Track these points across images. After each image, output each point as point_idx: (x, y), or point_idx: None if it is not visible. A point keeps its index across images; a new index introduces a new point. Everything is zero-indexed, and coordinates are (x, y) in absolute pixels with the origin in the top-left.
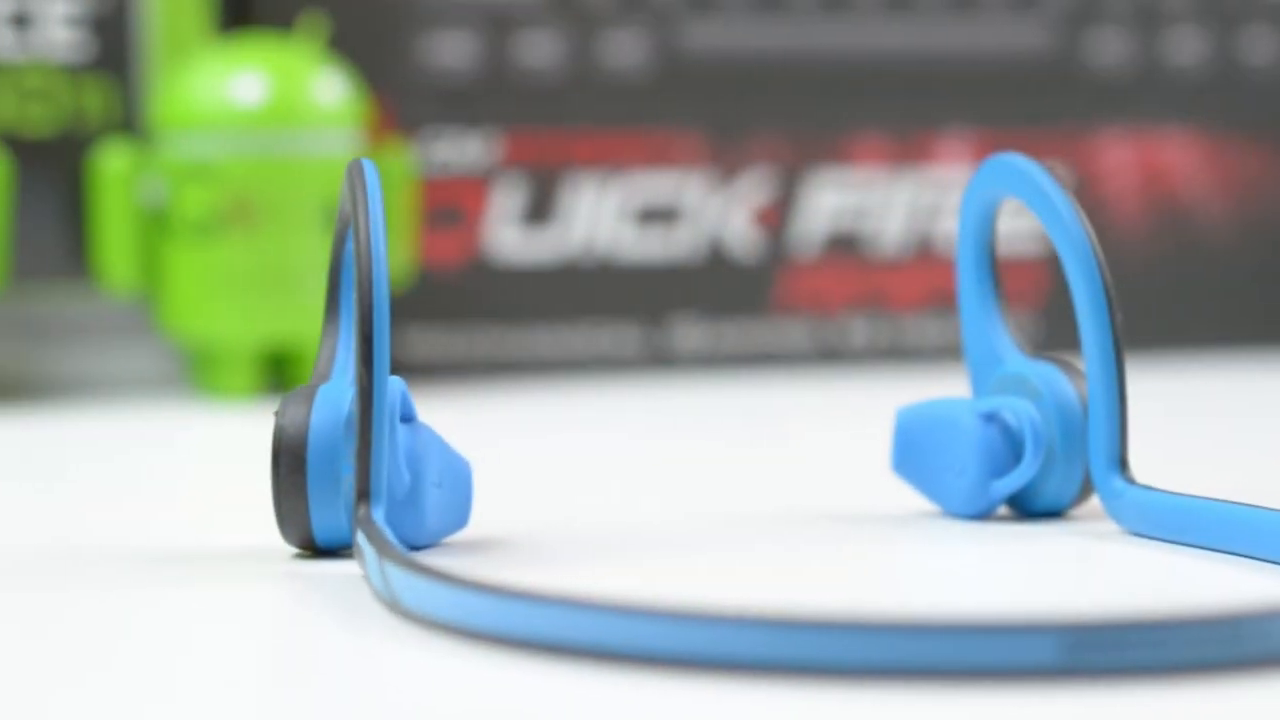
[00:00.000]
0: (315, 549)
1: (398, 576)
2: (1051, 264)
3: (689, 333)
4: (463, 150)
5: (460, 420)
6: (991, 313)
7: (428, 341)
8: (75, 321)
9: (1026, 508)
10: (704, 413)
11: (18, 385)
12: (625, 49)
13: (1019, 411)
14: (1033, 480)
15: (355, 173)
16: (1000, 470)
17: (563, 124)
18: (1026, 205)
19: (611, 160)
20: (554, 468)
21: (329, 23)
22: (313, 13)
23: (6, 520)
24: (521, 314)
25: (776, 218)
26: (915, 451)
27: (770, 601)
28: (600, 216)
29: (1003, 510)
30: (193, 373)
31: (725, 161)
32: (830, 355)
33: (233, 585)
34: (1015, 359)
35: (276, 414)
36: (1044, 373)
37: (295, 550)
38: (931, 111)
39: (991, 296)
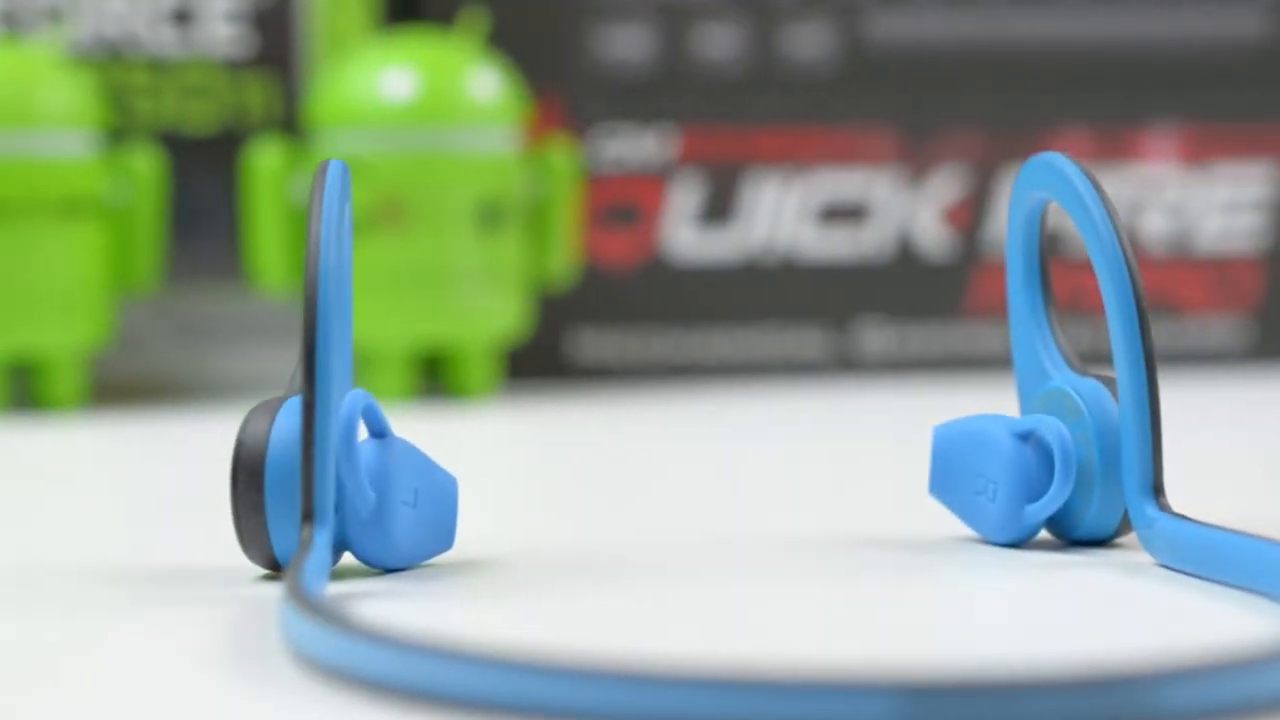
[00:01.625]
0: (281, 569)
1: (289, 613)
2: (1268, 264)
3: (875, 335)
4: (638, 147)
5: (632, 426)
6: (1041, 324)
7: (600, 344)
8: (232, 322)
9: (1068, 535)
10: (889, 420)
11: (174, 386)
12: (809, 41)
13: (1053, 431)
14: (1071, 506)
15: (317, 175)
16: (1036, 494)
17: (743, 120)
18: (1063, 208)
19: (794, 157)
20: (718, 476)
21: (494, 18)
22: (474, 8)
23: (166, 522)
24: (699, 315)
25: (969, 217)
26: (951, 473)
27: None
28: (782, 215)
29: (1045, 536)
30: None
31: (915, 158)
32: None
33: (168, 610)
34: (1063, 374)
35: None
36: (1088, 390)
37: (262, 571)
38: (1136, 105)
39: (1041, 306)
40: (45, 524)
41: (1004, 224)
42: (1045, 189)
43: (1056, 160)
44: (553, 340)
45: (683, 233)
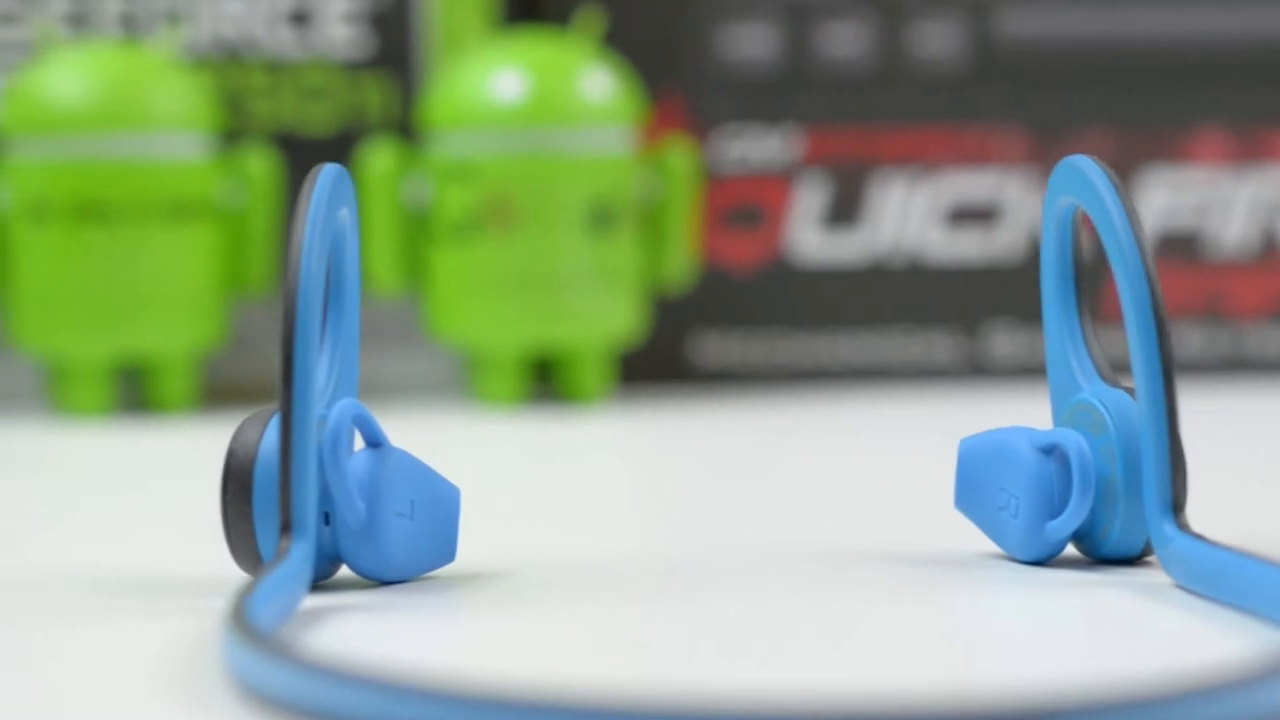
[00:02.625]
0: None
1: (225, 634)
2: None
3: (1006, 340)
4: (762, 147)
5: (751, 432)
6: (1075, 332)
7: (723, 347)
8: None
9: (1094, 553)
10: None
11: None
12: (937, 38)
13: (1072, 446)
14: (1096, 523)
15: (308, 181)
16: (1059, 510)
17: (869, 119)
18: (1088, 213)
19: (922, 157)
20: (835, 486)
21: (616, 18)
22: (591, 8)
23: None
24: (823, 319)
25: None
26: (976, 487)
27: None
28: (908, 217)
29: (1073, 554)
30: (466, 378)
31: (1047, 159)
32: None
33: (138, 621)
34: (1093, 386)
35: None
36: (1115, 403)
37: None
38: (1277, 104)
39: (1074, 313)
40: (128, 525)
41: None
42: (1073, 194)
43: (1082, 164)
44: (672, 344)
45: (807, 234)
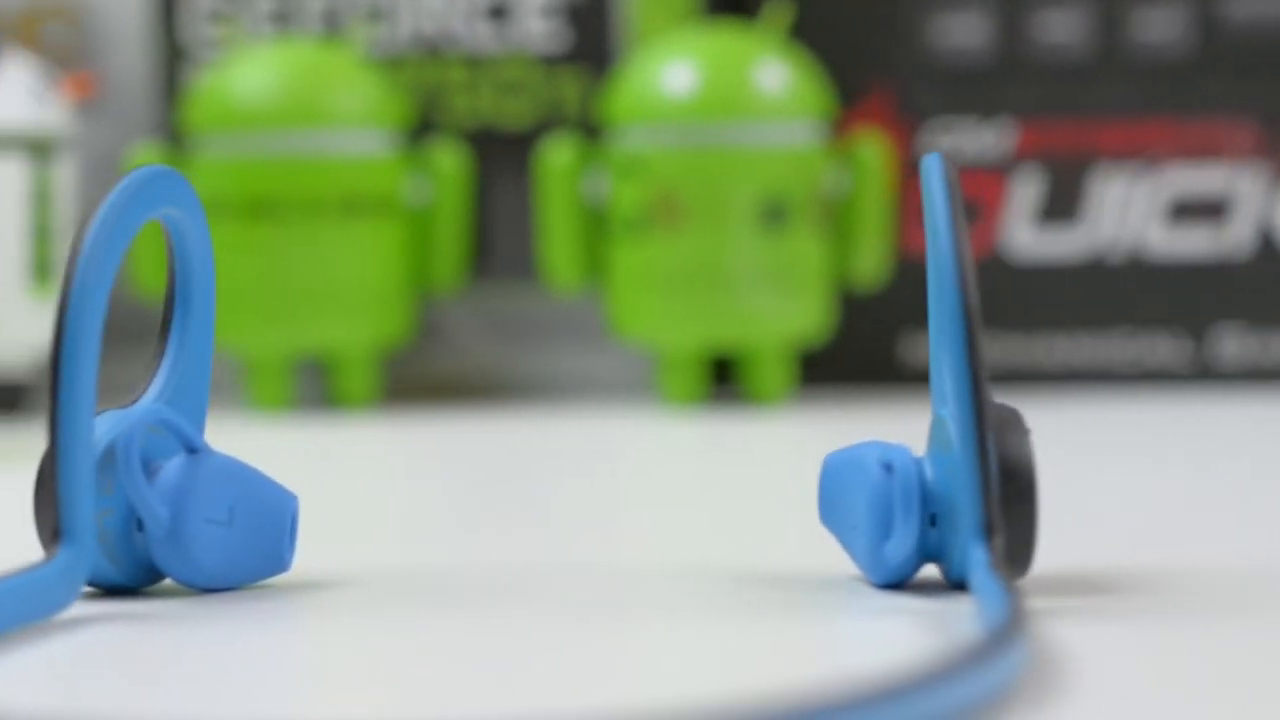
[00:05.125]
0: (102, 587)
1: None
2: None
3: (1234, 341)
4: (975, 141)
5: None
6: None
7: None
8: (533, 320)
9: (950, 577)
10: (1248, 434)
11: (476, 384)
12: (1160, 24)
13: (899, 463)
14: (944, 547)
15: (117, 181)
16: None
17: (1087, 111)
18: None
19: (1144, 151)
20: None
21: (824, 8)
22: (785, 1)
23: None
24: (1039, 318)
25: None
26: (835, 504)
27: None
28: (1129, 212)
29: (934, 576)
30: (651, 376)
31: (1278, 152)
32: None
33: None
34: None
35: None
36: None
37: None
38: None
39: None
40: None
41: None
42: (925, 191)
43: (927, 161)
44: (873, 343)
45: (1022, 231)
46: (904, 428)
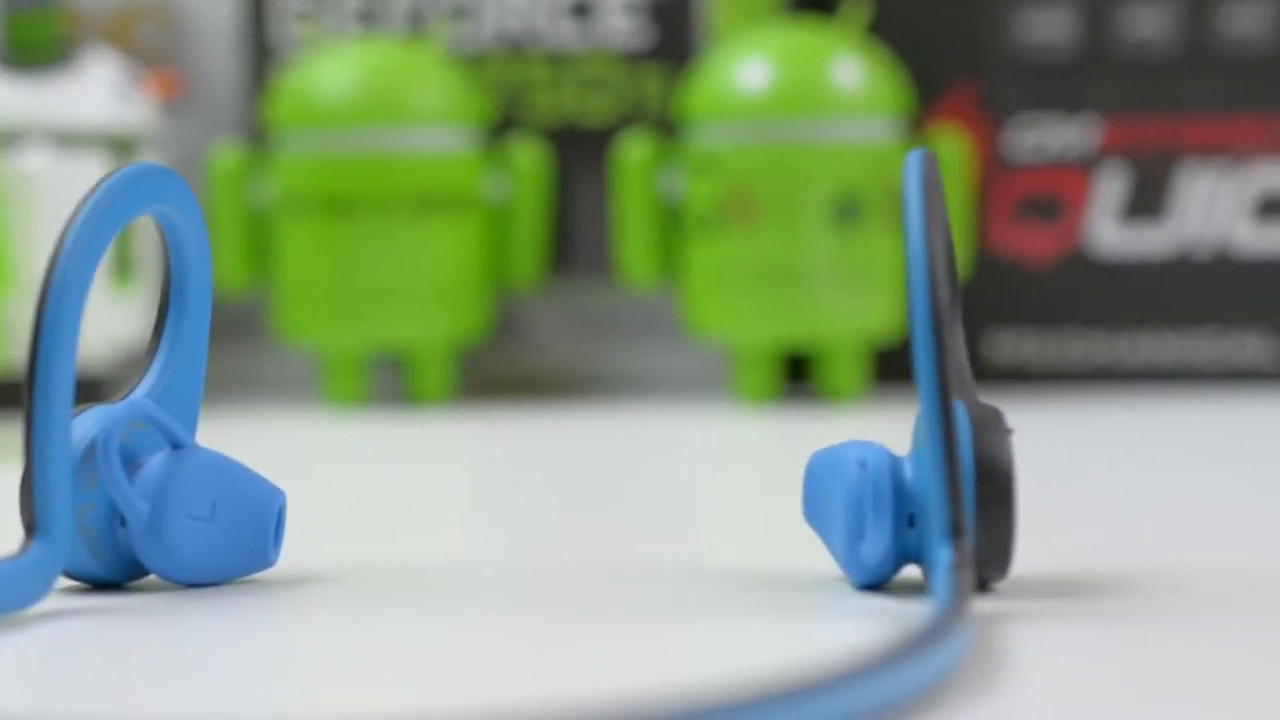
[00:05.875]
0: (87, 581)
1: None
2: None
3: None
4: (1060, 136)
5: (1049, 432)
6: None
7: (1015, 343)
8: (612, 317)
9: (928, 578)
10: None
11: (554, 380)
12: (1248, 18)
13: (872, 463)
14: (915, 547)
15: (98, 183)
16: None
17: (1173, 106)
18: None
19: (1231, 147)
20: (1102, 496)
21: (906, 4)
22: None
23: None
24: (1124, 315)
25: None
26: (818, 501)
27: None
28: (1215, 209)
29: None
30: (726, 373)
31: None
32: None
33: None
34: None
35: None
36: None
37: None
38: None
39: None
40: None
41: None
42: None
43: (909, 159)
44: (964, 339)
45: (1107, 227)
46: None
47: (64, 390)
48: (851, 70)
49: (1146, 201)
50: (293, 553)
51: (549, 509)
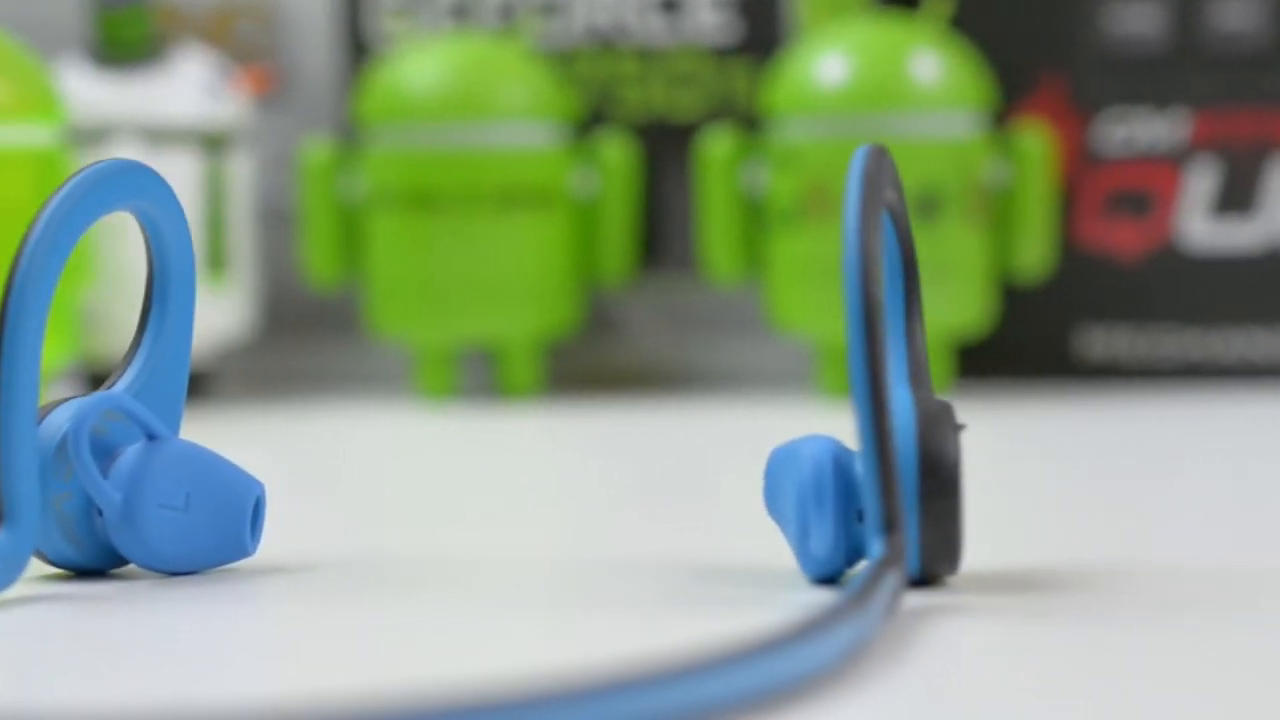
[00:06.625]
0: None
1: None
2: None
3: None
4: (1150, 130)
5: (1141, 430)
6: (897, 329)
7: (1107, 339)
8: (704, 312)
9: None
10: None
11: (646, 376)
12: None
13: (813, 457)
14: (860, 541)
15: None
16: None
17: (1265, 100)
18: None
19: None
20: (1219, 494)
21: (965, 2)
22: None
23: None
24: (1216, 311)
25: None
26: (776, 494)
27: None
28: None
29: None
30: (811, 368)
31: None
32: None
33: None
34: (897, 389)
35: None
36: (894, 411)
37: (52, 569)
38: None
39: (900, 309)
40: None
41: None
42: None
43: (856, 152)
44: (1047, 336)
45: (1197, 222)
46: (1069, 422)
47: (28, 382)
48: (931, 64)
49: (1237, 196)
50: (363, 539)
51: (631, 503)
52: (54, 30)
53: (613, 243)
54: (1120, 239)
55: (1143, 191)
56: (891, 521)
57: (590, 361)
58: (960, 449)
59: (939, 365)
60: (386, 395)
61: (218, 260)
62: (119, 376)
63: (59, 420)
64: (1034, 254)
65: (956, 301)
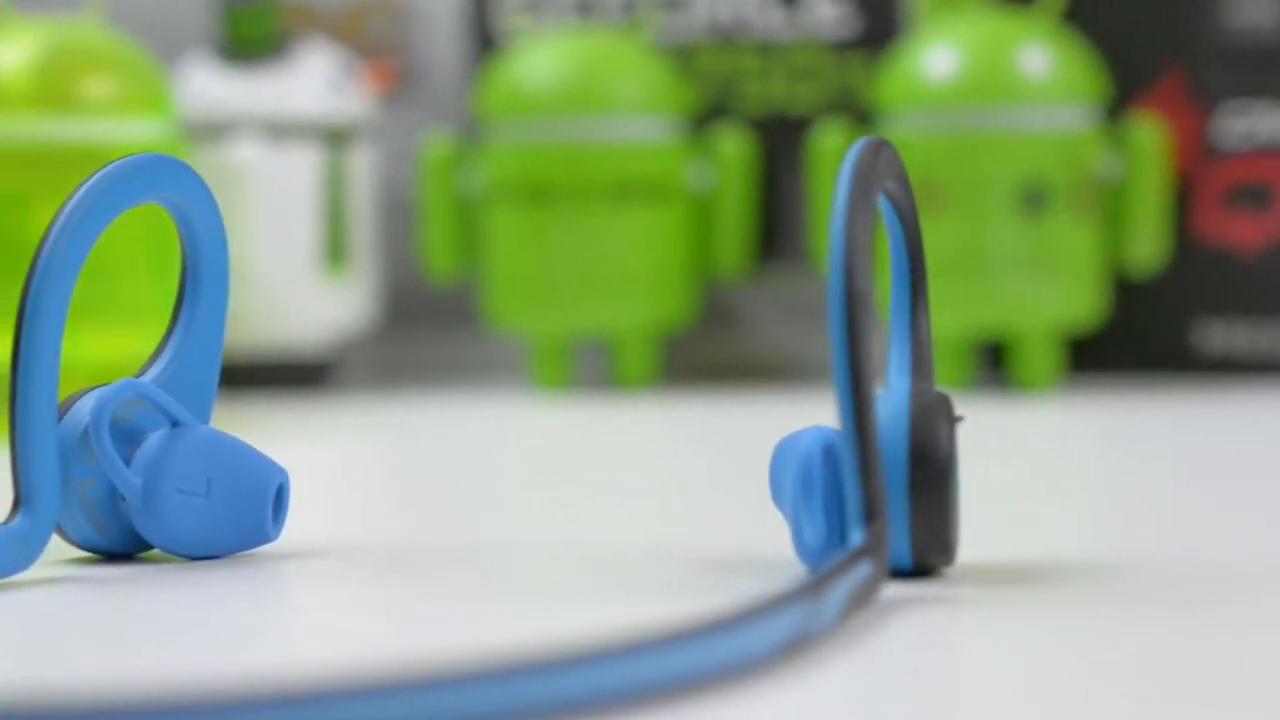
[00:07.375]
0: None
1: None
2: None
3: None
4: (1271, 123)
5: (1261, 423)
6: (902, 321)
7: (1226, 333)
8: (818, 304)
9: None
10: None
11: (761, 368)
12: None
13: (803, 447)
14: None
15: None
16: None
17: None
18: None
19: None
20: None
21: None
22: None
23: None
24: None
25: None
26: (780, 484)
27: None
28: None
29: None
30: None
31: None
32: None
33: None
34: (899, 380)
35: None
36: (887, 404)
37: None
38: None
39: (906, 302)
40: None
41: None
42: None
43: (853, 144)
44: (1163, 329)
45: None
46: (1183, 415)
47: (47, 370)
48: (1041, 58)
49: None
50: (459, 527)
51: (742, 496)
52: (183, 28)
53: (729, 236)
54: (1240, 232)
55: (1263, 184)
56: (871, 511)
57: (707, 353)
58: (954, 440)
59: (1046, 357)
60: (503, 386)
61: (338, 253)
62: (149, 365)
63: (85, 408)
64: (1148, 247)
65: (1065, 294)
